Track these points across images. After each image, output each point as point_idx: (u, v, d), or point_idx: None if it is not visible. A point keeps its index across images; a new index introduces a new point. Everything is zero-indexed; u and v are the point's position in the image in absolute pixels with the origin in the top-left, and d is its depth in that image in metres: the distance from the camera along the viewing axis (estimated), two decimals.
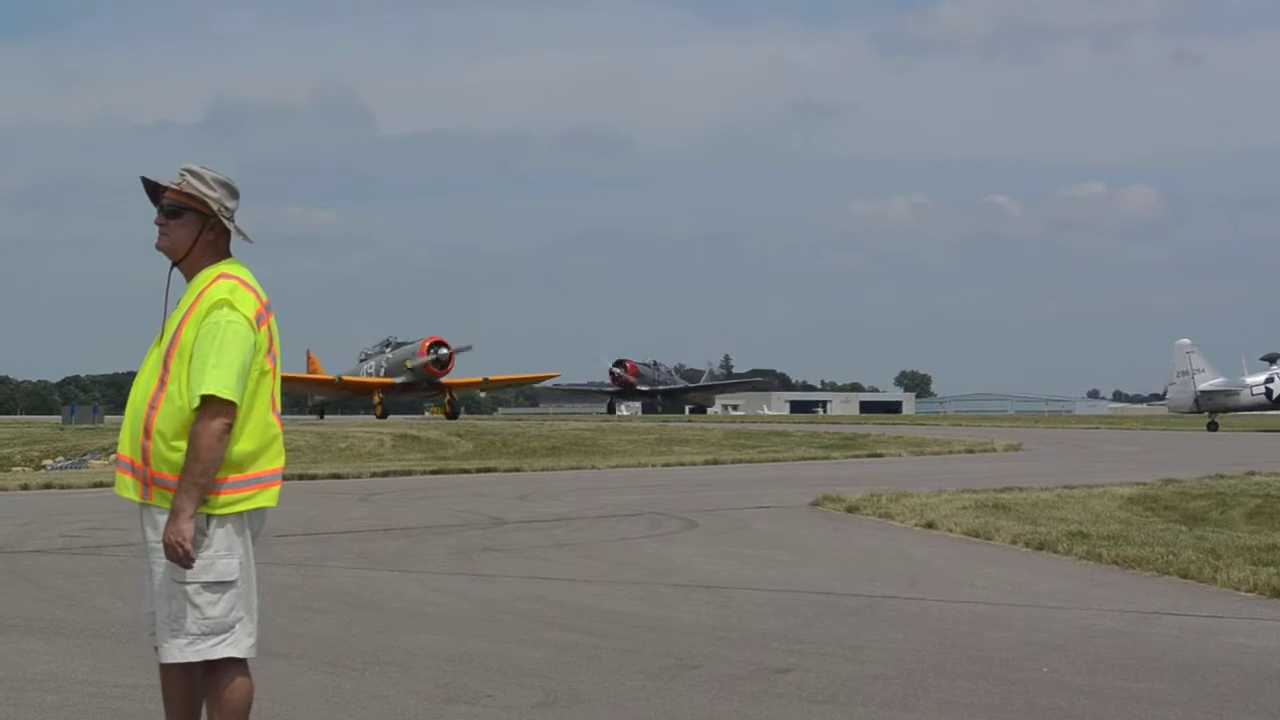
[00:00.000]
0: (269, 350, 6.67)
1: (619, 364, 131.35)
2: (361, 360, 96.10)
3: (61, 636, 11.73)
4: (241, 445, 6.56)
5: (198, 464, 6.39)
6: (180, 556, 6.38)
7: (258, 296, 6.66)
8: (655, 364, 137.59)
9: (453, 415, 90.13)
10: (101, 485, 30.39)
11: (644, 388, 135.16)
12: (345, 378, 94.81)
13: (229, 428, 6.44)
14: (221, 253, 6.78)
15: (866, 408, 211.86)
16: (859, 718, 8.84)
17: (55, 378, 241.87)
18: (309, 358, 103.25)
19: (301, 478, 32.51)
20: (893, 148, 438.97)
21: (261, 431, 6.64)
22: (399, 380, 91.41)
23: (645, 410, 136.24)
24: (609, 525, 21.27)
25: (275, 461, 6.71)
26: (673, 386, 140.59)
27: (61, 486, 30.97)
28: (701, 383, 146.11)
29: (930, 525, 20.09)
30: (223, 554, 6.56)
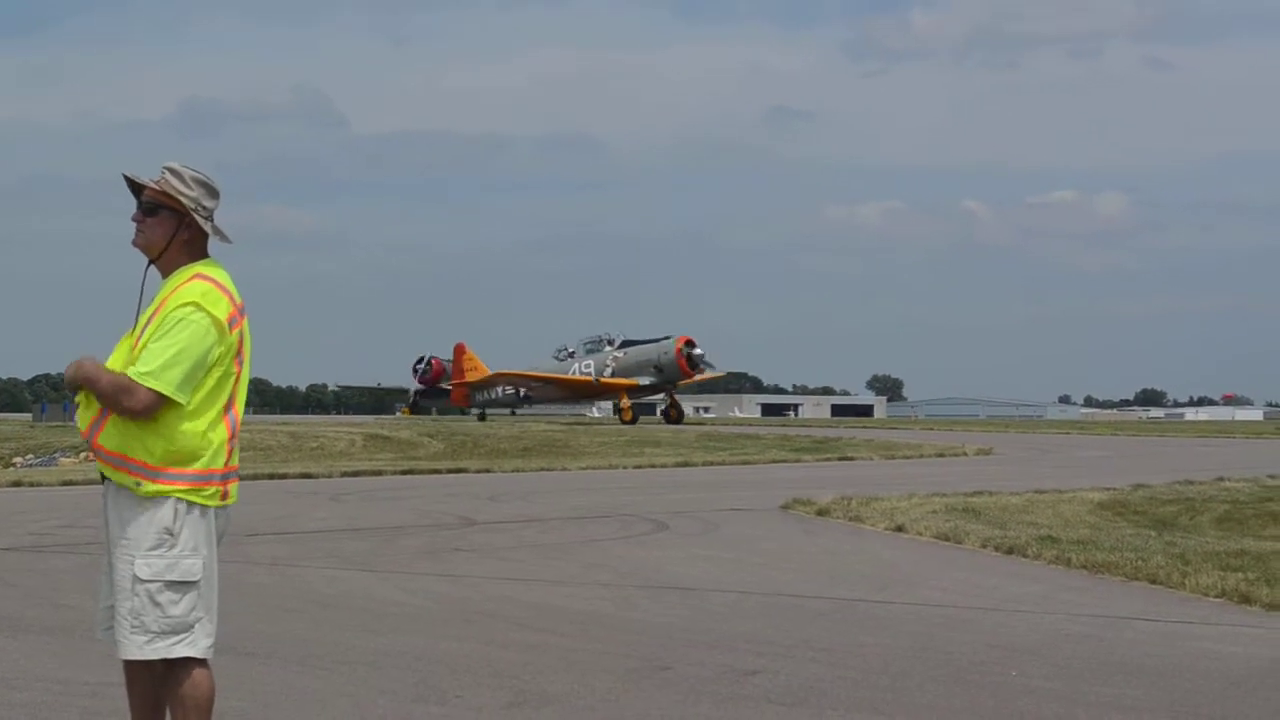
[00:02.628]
0: (237, 354, 6.69)
1: (423, 361, 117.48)
2: (562, 359, 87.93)
3: (30, 634, 11.70)
4: (196, 443, 6.58)
5: (107, 383, 6.48)
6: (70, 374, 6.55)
7: (231, 300, 6.66)
8: None
9: (679, 419, 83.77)
10: (71, 483, 30.29)
11: (447, 386, 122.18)
12: (602, 379, 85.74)
13: (146, 410, 6.47)
14: (198, 252, 6.78)
15: (838, 411, 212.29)
16: None
17: (25, 375, 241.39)
18: (462, 351, 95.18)
19: (272, 477, 32.40)
20: (866, 153, 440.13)
21: (216, 431, 6.66)
22: (643, 381, 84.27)
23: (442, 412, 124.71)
24: (580, 527, 21.27)
25: (228, 461, 6.73)
26: None
27: (31, 484, 30.84)
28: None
29: (900, 529, 20.12)
30: (188, 554, 6.57)
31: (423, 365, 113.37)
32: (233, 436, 6.73)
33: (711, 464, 41.85)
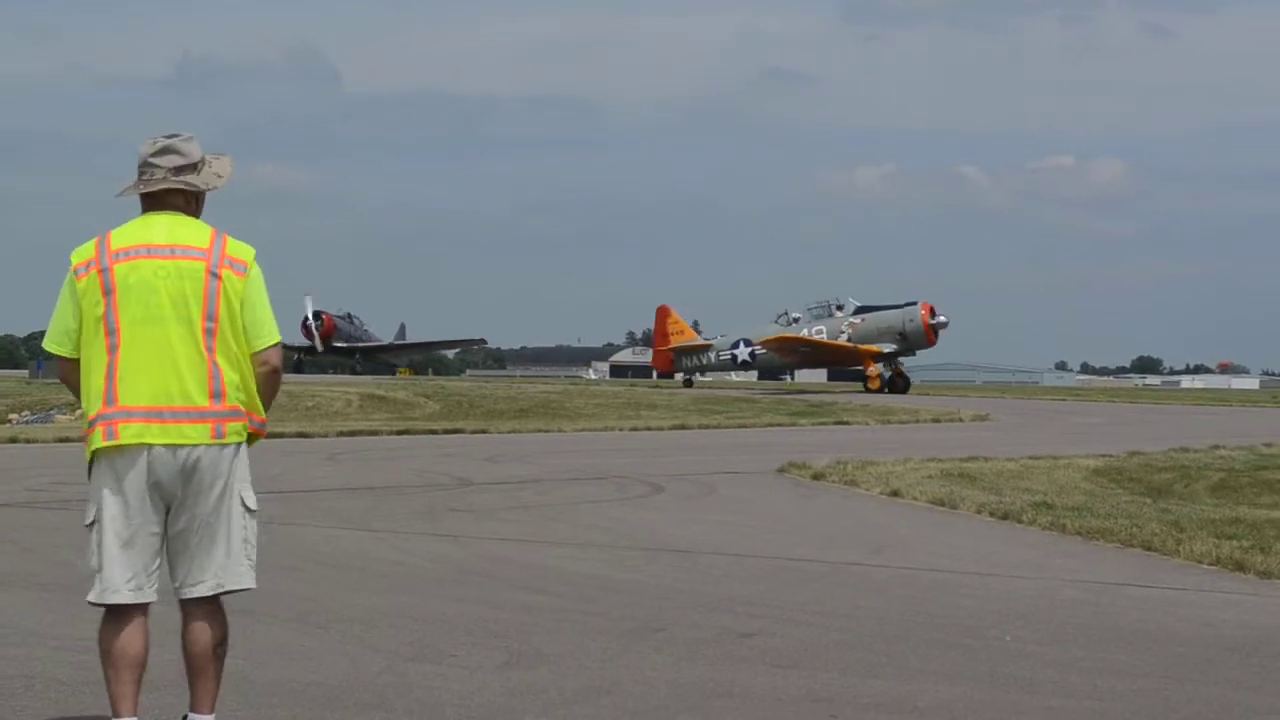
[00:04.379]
0: (104, 296, 6.84)
1: (316, 316, 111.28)
2: (786, 324, 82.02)
3: (27, 590, 11.71)
4: (88, 393, 6.88)
5: None
6: None
7: (98, 246, 6.93)
8: (350, 317, 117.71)
9: (906, 388, 79.19)
10: (68, 440, 30.30)
11: (341, 344, 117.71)
12: (838, 342, 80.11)
13: (60, 377, 7.15)
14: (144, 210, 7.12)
15: (834, 376, 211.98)
16: (823, 683, 8.87)
17: (21, 332, 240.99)
18: (666, 314, 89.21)
19: (269, 436, 32.29)
20: (861, 117, 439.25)
21: (95, 377, 6.85)
22: (885, 349, 79.13)
23: (342, 371, 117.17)
24: (575, 488, 21.28)
25: (108, 401, 6.82)
26: (374, 345, 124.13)
27: (27, 440, 30.86)
28: (408, 340, 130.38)
29: (896, 493, 20.14)
30: (91, 501, 6.88)
31: (316, 323, 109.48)
32: (112, 379, 6.79)
33: (707, 427, 41.84)
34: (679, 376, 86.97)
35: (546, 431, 38.35)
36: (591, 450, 30.38)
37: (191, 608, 6.88)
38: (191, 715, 6.92)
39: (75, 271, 6.91)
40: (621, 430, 39.38)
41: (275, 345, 6.98)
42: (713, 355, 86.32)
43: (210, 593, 6.85)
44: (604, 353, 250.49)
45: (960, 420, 47.57)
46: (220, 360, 6.83)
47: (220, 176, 7.10)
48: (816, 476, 22.84)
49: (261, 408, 7.04)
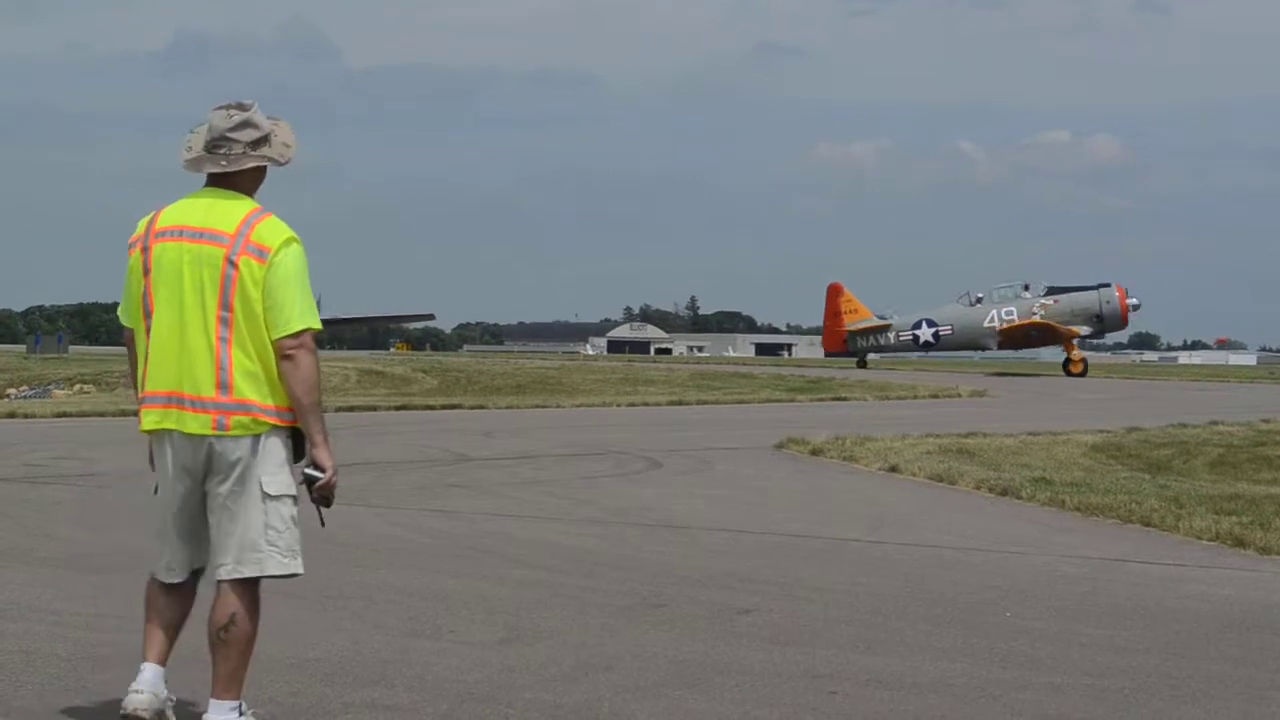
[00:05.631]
0: (144, 274, 6.86)
1: None
2: (969, 304, 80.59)
3: (27, 565, 11.69)
4: (135, 366, 7.01)
5: None
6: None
7: (149, 221, 6.93)
8: None
9: (1084, 371, 77.01)
10: (65, 415, 30.33)
11: None
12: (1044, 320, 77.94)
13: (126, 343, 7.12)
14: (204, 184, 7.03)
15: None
16: (821, 659, 8.86)
17: (19, 306, 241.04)
18: (839, 292, 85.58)
19: None
20: (857, 91, 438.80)
21: (138, 356, 6.97)
22: (1082, 331, 77.85)
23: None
24: (574, 464, 21.27)
25: (144, 384, 6.90)
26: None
27: (25, 415, 30.83)
28: (354, 315, 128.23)
29: (894, 469, 20.13)
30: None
31: None
32: (145, 362, 6.88)
33: (705, 403, 41.85)
34: (853, 356, 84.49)
35: (544, 407, 38.38)
36: (589, 426, 30.38)
37: (218, 589, 6.87)
38: (210, 700, 6.87)
39: (129, 246, 6.92)
40: (619, 406, 39.41)
41: (296, 334, 6.73)
42: (892, 335, 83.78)
43: (227, 576, 6.80)
44: (601, 328, 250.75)
45: (959, 396, 47.61)
46: (236, 351, 6.71)
47: (289, 147, 6.99)
48: (815, 452, 22.83)
49: (287, 399, 6.79)
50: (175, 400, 6.75)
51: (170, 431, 6.77)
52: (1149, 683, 8.47)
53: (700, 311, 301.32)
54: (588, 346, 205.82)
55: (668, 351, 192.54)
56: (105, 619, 9.45)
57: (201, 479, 6.78)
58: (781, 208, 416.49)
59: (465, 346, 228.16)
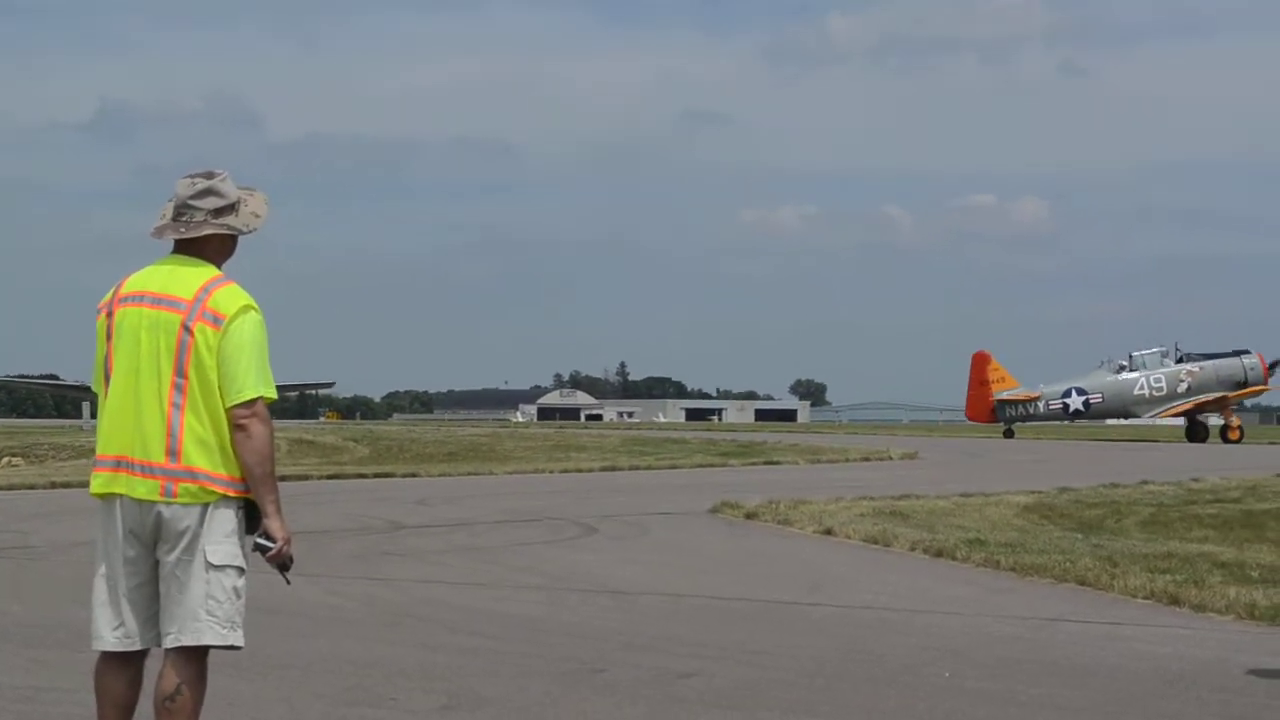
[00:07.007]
0: (106, 339, 6.87)
1: None
2: (1114, 371, 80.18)
3: None
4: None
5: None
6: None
7: (115, 287, 6.93)
8: None
9: (1241, 438, 75.24)
10: (13, 487, 30.06)
11: None
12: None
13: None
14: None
15: (762, 416, 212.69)
16: None
17: None
18: (986, 361, 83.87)
19: None
20: (783, 157, 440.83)
21: (98, 419, 6.98)
22: (1211, 397, 77.13)
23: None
24: (508, 530, 21.23)
25: (102, 448, 6.88)
26: None
27: None
28: None
29: (829, 532, 20.16)
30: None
31: None
32: (101, 425, 6.91)
33: (638, 468, 41.82)
34: (1001, 425, 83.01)
35: (477, 474, 38.27)
36: (523, 492, 30.32)
37: (165, 658, 6.80)
38: None
39: (96, 312, 6.94)
40: (552, 472, 39.34)
41: (248, 403, 6.72)
42: (1041, 405, 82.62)
43: (170, 645, 6.75)
44: (531, 395, 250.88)
45: (889, 459, 47.76)
46: (189, 417, 6.69)
47: (258, 216, 6.99)
48: (749, 516, 22.84)
49: (239, 468, 6.80)
50: (125, 465, 6.72)
51: (119, 496, 6.73)
52: None
53: (630, 377, 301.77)
54: (518, 414, 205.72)
55: (598, 418, 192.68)
56: (46, 692, 9.37)
57: (151, 546, 6.74)
58: (709, 273, 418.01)
59: (395, 415, 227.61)
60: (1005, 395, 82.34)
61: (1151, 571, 15.15)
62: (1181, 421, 79.65)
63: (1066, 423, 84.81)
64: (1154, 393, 78.69)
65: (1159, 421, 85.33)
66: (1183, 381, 78.10)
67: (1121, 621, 12.81)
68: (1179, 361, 78.80)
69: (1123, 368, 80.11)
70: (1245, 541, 18.69)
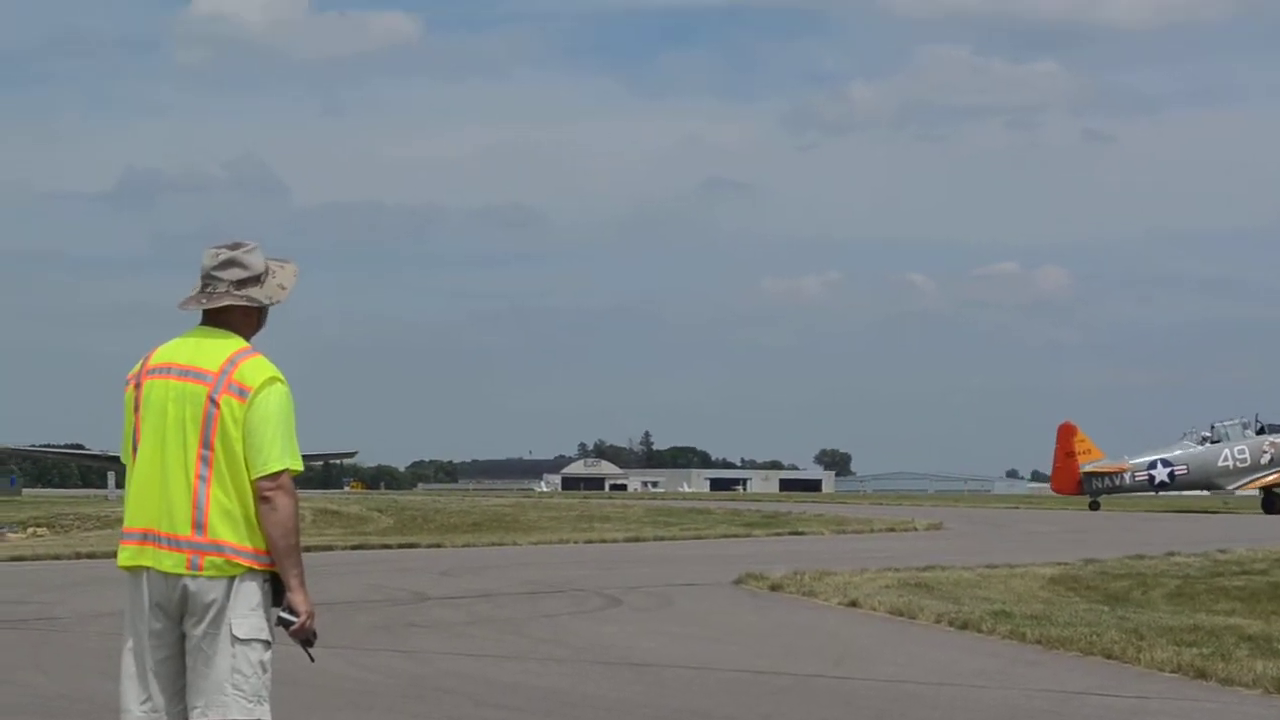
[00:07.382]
0: (134, 411, 6.89)
1: None
2: (1200, 442, 79.94)
3: None
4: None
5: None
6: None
7: (144, 361, 6.95)
8: None
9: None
10: (19, 559, 30.07)
11: None
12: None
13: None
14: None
15: (786, 485, 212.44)
16: None
17: None
18: (1072, 432, 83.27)
19: None
20: (806, 226, 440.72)
21: (128, 490, 6.98)
22: None
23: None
24: (533, 602, 21.21)
25: (130, 520, 6.89)
26: None
27: None
28: None
29: (854, 604, 20.11)
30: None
31: None
32: (128, 497, 6.92)
33: (662, 539, 41.74)
34: (1086, 497, 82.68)
35: (501, 545, 38.22)
36: (547, 563, 30.28)
37: None
38: None
39: (125, 384, 6.97)
40: (576, 543, 39.28)
41: (273, 475, 6.73)
42: (1127, 476, 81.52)
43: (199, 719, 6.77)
44: (555, 465, 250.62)
45: (915, 529, 47.61)
46: (215, 490, 6.71)
47: (284, 289, 7.02)
48: (774, 587, 22.79)
49: (265, 542, 6.82)
50: (151, 537, 6.73)
51: (146, 568, 6.75)
52: None
53: (654, 447, 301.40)
54: (542, 483, 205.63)
55: (623, 487, 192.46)
56: None
57: (178, 619, 6.75)
58: (733, 341, 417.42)
59: (420, 485, 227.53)
60: (1091, 467, 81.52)
61: (1178, 644, 15.08)
62: (1256, 493, 79.43)
63: (1151, 494, 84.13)
64: (1238, 464, 78.26)
65: (1241, 493, 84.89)
66: (1265, 453, 77.45)
67: (1148, 695, 12.76)
68: (1259, 433, 78.29)
69: (1206, 439, 79.74)
70: (1272, 614, 18.61)
